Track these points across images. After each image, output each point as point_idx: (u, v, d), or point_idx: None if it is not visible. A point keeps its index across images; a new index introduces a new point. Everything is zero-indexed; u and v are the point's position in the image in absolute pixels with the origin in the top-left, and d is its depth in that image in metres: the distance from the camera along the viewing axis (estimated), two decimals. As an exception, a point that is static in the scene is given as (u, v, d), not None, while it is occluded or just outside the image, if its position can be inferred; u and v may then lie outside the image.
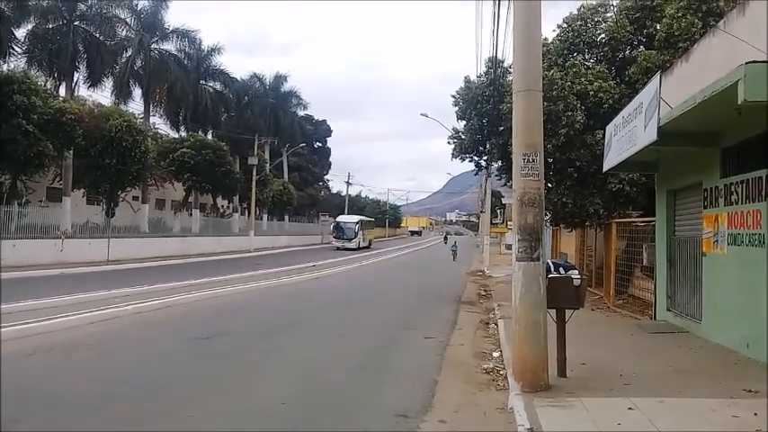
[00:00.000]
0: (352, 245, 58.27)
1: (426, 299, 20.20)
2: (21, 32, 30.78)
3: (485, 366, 9.85)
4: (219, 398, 7.73)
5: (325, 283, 25.35)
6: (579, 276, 8.37)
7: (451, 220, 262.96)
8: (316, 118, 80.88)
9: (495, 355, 10.74)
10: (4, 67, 28.74)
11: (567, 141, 16.39)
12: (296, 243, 60.78)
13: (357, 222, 62.34)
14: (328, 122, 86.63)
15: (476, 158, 21.69)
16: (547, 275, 7.99)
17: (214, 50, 47.81)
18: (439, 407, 7.49)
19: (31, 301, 14.76)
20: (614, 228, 16.68)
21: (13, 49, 30.04)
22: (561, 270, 8.32)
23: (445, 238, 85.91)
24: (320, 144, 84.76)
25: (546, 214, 17.01)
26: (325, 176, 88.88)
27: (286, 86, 62.94)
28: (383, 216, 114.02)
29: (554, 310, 8.28)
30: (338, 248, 56.16)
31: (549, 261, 8.42)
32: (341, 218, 64.78)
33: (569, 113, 16.31)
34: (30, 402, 7.26)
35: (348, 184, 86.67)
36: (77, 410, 7.05)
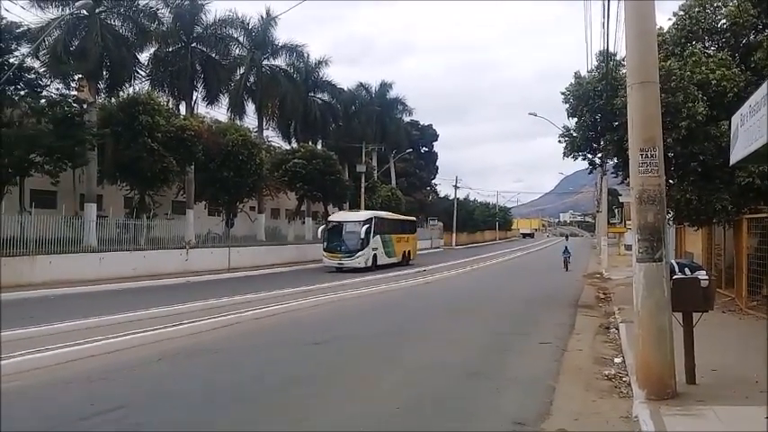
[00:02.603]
0: (356, 262, 33.58)
1: (541, 303, 19.65)
2: (144, 57, 33.03)
3: (606, 372, 9.41)
4: (335, 402, 7.86)
5: (436, 288, 25.28)
6: (707, 277, 7.83)
7: (565, 221, 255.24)
8: (421, 123, 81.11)
9: (617, 360, 10.24)
10: (130, 90, 30.99)
11: (688, 134, 15.41)
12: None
13: (365, 222, 35.00)
14: (434, 127, 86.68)
15: (589, 156, 20.86)
16: (671, 277, 7.52)
17: (321, 63, 49.08)
18: (557, 414, 7.23)
19: (161, 308, 15.73)
20: (745, 224, 15.49)
21: (138, 72, 32.28)
22: (687, 271, 7.82)
23: (567, 238, 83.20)
24: (427, 149, 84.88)
25: (668, 212, 16.06)
26: (433, 181, 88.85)
27: (391, 94, 63.57)
28: (493, 219, 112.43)
29: (680, 314, 7.78)
30: (338, 269, 33.26)
31: (672, 261, 7.93)
32: (337, 216, 38.43)
33: (690, 105, 15.32)
34: (157, 405, 7.70)
35: (456, 187, 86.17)
36: (201, 412, 7.39)
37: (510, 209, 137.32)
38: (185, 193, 34.80)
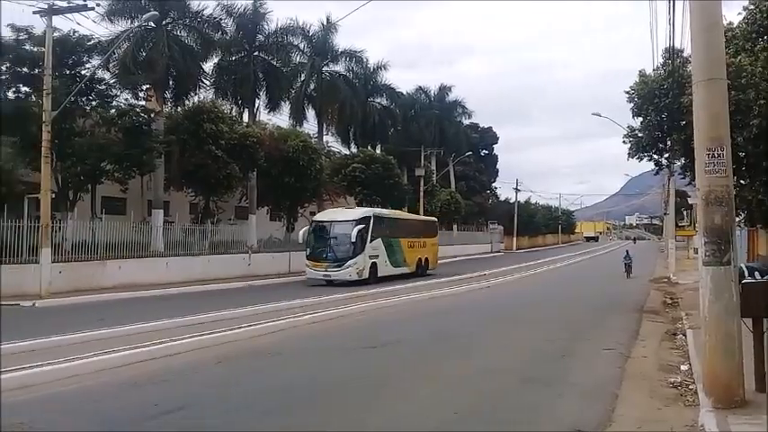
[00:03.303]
0: (346, 273, 26.76)
1: (604, 308, 19.16)
2: (208, 66, 33.96)
3: (671, 380, 9.09)
4: (391, 405, 7.88)
5: (496, 293, 24.98)
6: (779, 281, 7.45)
7: (631, 224, 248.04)
8: (481, 125, 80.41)
9: (684, 368, 9.87)
10: (195, 99, 31.93)
11: (760, 133, 14.75)
12: (465, 252, 60.54)
13: (358, 222, 27.84)
14: (494, 129, 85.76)
15: (655, 157, 20.25)
16: (740, 281, 7.21)
17: (380, 67, 49.36)
18: (620, 422, 7.03)
19: (223, 311, 16.10)
20: (823, 226, 14.70)
21: (202, 81, 33.16)
22: (757, 275, 7.50)
23: (634, 241, 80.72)
24: (486, 152, 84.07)
25: (738, 214, 15.42)
26: (493, 184, 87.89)
27: (450, 97, 63.31)
28: (555, 222, 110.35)
29: (749, 319, 7.44)
30: (328, 282, 26.58)
31: (742, 265, 7.62)
32: (324, 214, 30.67)
33: (762, 102, 14.67)
34: (218, 406, 7.88)
35: (516, 190, 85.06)
36: (260, 413, 7.53)
37: (573, 212, 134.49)
38: (248, 198, 35.53)
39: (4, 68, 23.71)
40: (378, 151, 49.35)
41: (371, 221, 28.55)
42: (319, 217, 29.96)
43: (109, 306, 18.32)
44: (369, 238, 27.93)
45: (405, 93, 56.16)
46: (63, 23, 21.69)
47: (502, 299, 22.63)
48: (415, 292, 22.77)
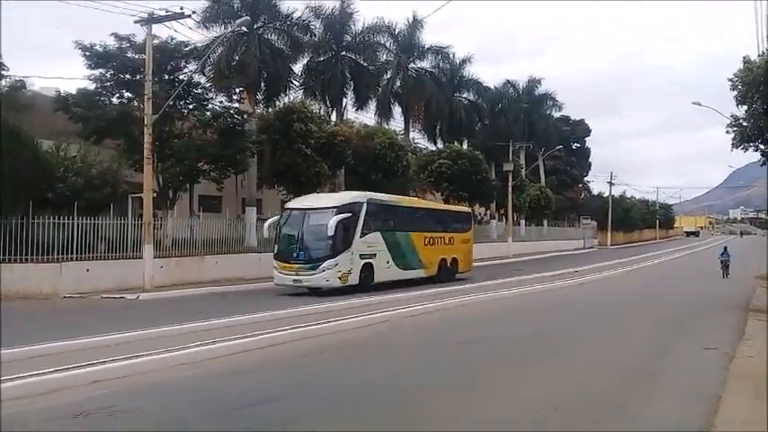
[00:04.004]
0: (320, 277, 20.54)
1: (706, 306, 18.24)
2: (297, 67, 34.84)
3: (780, 382, 8.51)
4: (486, 401, 7.84)
5: (589, 289, 24.27)
6: None
7: (735, 218, 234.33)
8: (572, 118, 78.11)
9: (794, 369, 9.22)
10: (285, 100, 32.81)
11: None
12: (556, 248, 59.10)
13: (341, 210, 21.22)
14: (586, 122, 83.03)
15: (761, 147, 19.03)
16: None
17: (465, 62, 48.90)
18: (723, 424, 6.67)
19: (314, 305, 16.47)
20: None
21: (292, 82, 34.07)
22: None
23: (741, 234, 75.82)
24: (578, 145, 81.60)
25: None
26: (585, 178, 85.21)
27: (540, 89, 61.89)
28: (652, 217, 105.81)
29: None
30: (311, 290, 21.10)
31: None
32: (299, 201, 23.84)
33: None
34: (313, 397, 8.05)
35: (610, 184, 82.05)
36: (351, 405, 7.64)
37: (671, 206, 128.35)
38: (337, 195, 36.05)
39: (109, 75, 25.20)
40: (465, 147, 48.96)
41: (363, 209, 21.83)
42: (293, 204, 23.15)
43: (207, 299, 19.13)
44: (359, 230, 21.41)
45: (492, 87, 55.46)
46: (162, 31, 22.83)
47: (596, 296, 21.95)
48: (524, 285, 22.45)
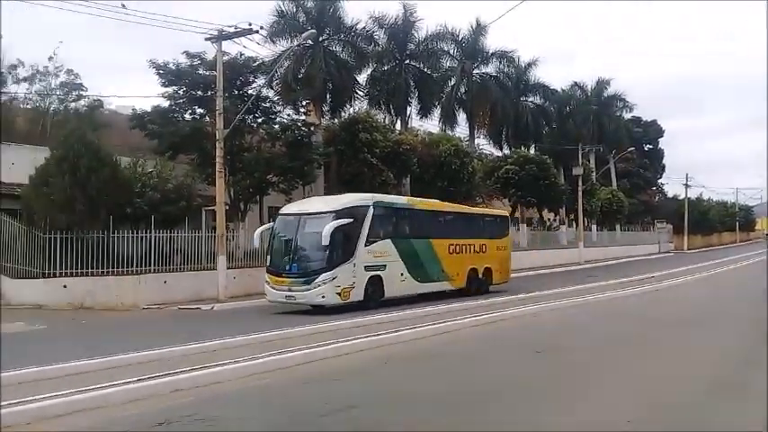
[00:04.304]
0: (315, 293, 17.78)
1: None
2: (361, 77, 35.31)
3: None
4: (561, 410, 7.69)
5: (667, 295, 23.42)
6: None
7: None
8: (644, 119, 75.72)
9: None
10: (351, 110, 33.24)
11: None
12: (629, 253, 57.26)
13: (339, 215, 18.33)
14: (659, 122, 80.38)
15: None
16: None
17: (531, 65, 48.26)
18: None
19: (391, 314, 16.58)
20: None
21: (357, 93, 34.54)
22: None
23: None
24: (651, 146, 79.00)
25: None
26: (659, 180, 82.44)
27: (609, 90, 60.33)
28: (731, 219, 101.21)
29: None
30: (313, 307, 18.46)
31: None
32: (295, 206, 21.22)
33: None
34: (388, 406, 8.08)
35: (686, 186, 78.93)
36: (428, 413, 7.64)
37: (752, 207, 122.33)
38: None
39: (181, 92, 26.16)
40: (532, 151, 48.24)
41: (369, 214, 19.14)
42: (287, 209, 20.62)
43: (278, 309, 19.45)
44: (363, 238, 18.77)
45: (559, 89, 54.42)
46: (231, 47, 23.51)
47: (675, 301, 21.16)
48: (597, 292, 21.96)
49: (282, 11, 30.94)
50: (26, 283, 19.58)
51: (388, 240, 19.80)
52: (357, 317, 16.04)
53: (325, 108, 32.43)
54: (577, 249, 47.73)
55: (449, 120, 42.54)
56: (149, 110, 26.19)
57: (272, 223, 20.33)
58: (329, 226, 17.55)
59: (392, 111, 37.86)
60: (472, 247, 23.70)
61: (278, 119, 28.11)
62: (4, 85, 35.04)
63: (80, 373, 9.34)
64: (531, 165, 42.70)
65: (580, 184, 47.81)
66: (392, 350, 12.05)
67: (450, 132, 41.17)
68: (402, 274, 20.06)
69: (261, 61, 27.17)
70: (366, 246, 18.78)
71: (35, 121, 41.50)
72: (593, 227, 57.04)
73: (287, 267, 18.38)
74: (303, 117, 29.26)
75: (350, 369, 10.41)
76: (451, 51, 41.90)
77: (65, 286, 19.20)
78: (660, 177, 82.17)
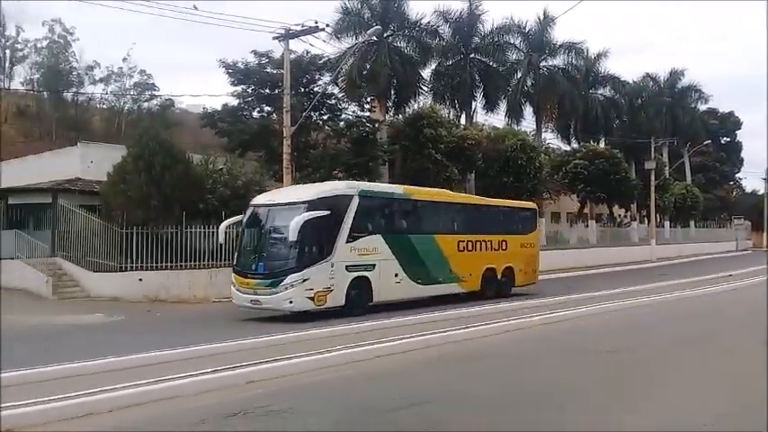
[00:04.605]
0: (280, 299, 15.09)
1: None
2: (426, 73, 35.12)
3: None
4: (636, 410, 7.46)
5: (744, 295, 22.33)
6: None
7: None
8: (720, 111, 72.50)
9: None
10: (415, 106, 33.16)
11: None
12: (704, 251, 55.02)
13: (310, 207, 15.52)
14: (737, 113, 76.81)
15: None
16: None
17: (601, 57, 46.90)
18: None
19: (449, 311, 16.41)
20: None
21: (421, 88, 34.36)
22: None
23: None
24: (728, 139, 75.61)
25: None
26: (737, 175, 78.87)
27: (683, 81, 58.08)
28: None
29: None
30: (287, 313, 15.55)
31: None
32: (266, 196, 18.10)
33: None
34: (455, 403, 8.01)
35: (767, 180, 75.28)
36: (497, 411, 7.54)
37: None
38: (467, 199, 35.96)
39: (250, 90, 26.71)
40: (601, 145, 46.94)
41: (354, 205, 16.42)
42: (258, 199, 17.83)
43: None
44: (344, 233, 16.08)
45: (630, 81, 52.65)
46: (297, 46, 23.86)
47: (757, 302, 20.16)
48: (671, 290, 21.20)
49: (348, 8, 31.13)
50: (104, 277, 20.39)
51: (378, 236, 17.05)
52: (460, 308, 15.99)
53: (390, 104, 32.47)
54: (649, 247, 46.25)
55: (515, 114, 41.75)
56: (219, 108, 26.88)
57: (241, 216, 17.22)
58: (298, 219, 14.90)
59: (457, 106, 37.56)
60: (489, 243, 20.85)
61: (343, 115, 28.39)
62: (77, 85, 36.56)
63: (157, 363, 9.66)
64: (601, 159, 41.59)
65: (653, 178, 46.23)
66: (464, 347, 11.93)
67: (515, 127, 40.52)
68: (397, 275, 17.36)
69: (326, 59, 27.43)
70: (348, 242, 16.17)
71: (110, 120, 43.50)
72: (667, 223, 55.12)
73: (253, 267, 15.92)
74: (368, 113, 29.41)
75: (427, 364, 10.38)
76: (517, 44, 41.14)
77: (140, 279, 19.90)
78: (738, 172, 78.61)
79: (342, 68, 28.16)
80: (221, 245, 18.39)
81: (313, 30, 21.83)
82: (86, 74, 42.94)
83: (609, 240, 44.67)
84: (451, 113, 36.79)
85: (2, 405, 6.87)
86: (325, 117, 27.95)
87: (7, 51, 40.70)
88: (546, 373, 9.80)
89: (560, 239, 42.08)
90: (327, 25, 23.78)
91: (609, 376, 9.64)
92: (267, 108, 27.14)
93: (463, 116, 37.45)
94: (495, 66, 37.42)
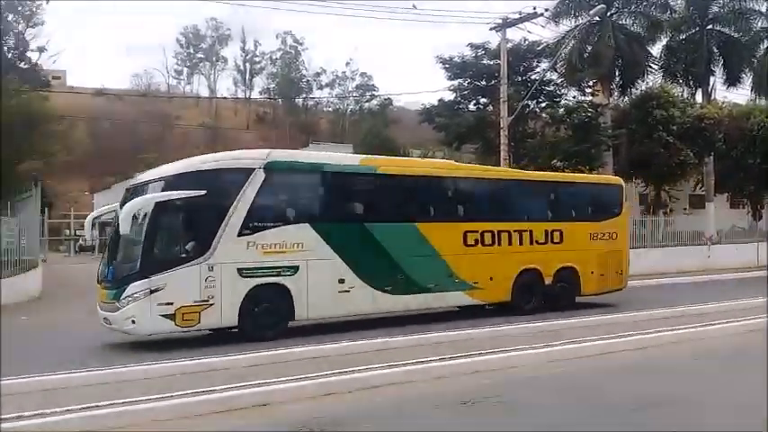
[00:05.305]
0: (121, 317, 10.34)
1: None
2: (654, 50, 32.51)
3: None
4: None
5: None
6: None
7: None
8: None
9: None
10: (642, 86, 30.84)
11: None
12: None
13: (168, 185, 10.84)
14: None
15: None
16: None
17: None
18: None
19: (680, 308, 15.05)
20: None
21: (650, 66, 31.83)
22: None
23: None
24: None
25: None
26: None
27: None
28: None
29: None
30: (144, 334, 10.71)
31: None
32: (139, 177, 13.31)
33: None
34: (695, 406, 7.29)
35: None
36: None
37: None
38: (703, 185, 32.89)
39: (466, 83, 26.93)
40: None
41: (252, 183, 11.25)
42: (132, 180, 13.81)
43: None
44: (237, 222, 11.07)
45: None
46: (514, 34, 23.62)
47: None
48: None
49: (568, -11, 29.90)
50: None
51: (305, 225, 11.79)
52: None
53: (614, 86, 30.59)
54: None
55: (762, 88, 37.00)
56: (436, 104, 27.48)
57: (116, 204, 12.41)
58: (132, 204, 10.73)
59: (691, 83, 34.28)
60: (526, 234, 14.51)
61: (562, 102, 27.43)
62: (306, 91, 39.81)
63: (387, 349, 10.14)
64: None
65: None
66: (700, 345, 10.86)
67: (762, 102, 35.87)
68: (342, 282, 12.00)
69: (544, 45, 26.65)
70: (244, 235, 11.13)
71: (335, 121, 46.88)
72: None
73: (105, 272, 11.47)
74: (590, 98, 28.09)
75: (665, 362, 9.66)
76: (763, 9, 36.35)
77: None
78: None
79: (561, 53, 27.19)
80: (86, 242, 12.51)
81: (531, 16, 21.42)
82: (314, 80, 46.68)
83: None
84: (685, 92, 33.68)
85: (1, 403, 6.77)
86: (542, 105, 27.26)
87: (247, 65, 45.72)
88: None
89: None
90: (546, 10, 23.14)
91: None
92: (483, 100, 27.16)
93: (699, 94, 34.17)
94: (737, 36, 33.51)
